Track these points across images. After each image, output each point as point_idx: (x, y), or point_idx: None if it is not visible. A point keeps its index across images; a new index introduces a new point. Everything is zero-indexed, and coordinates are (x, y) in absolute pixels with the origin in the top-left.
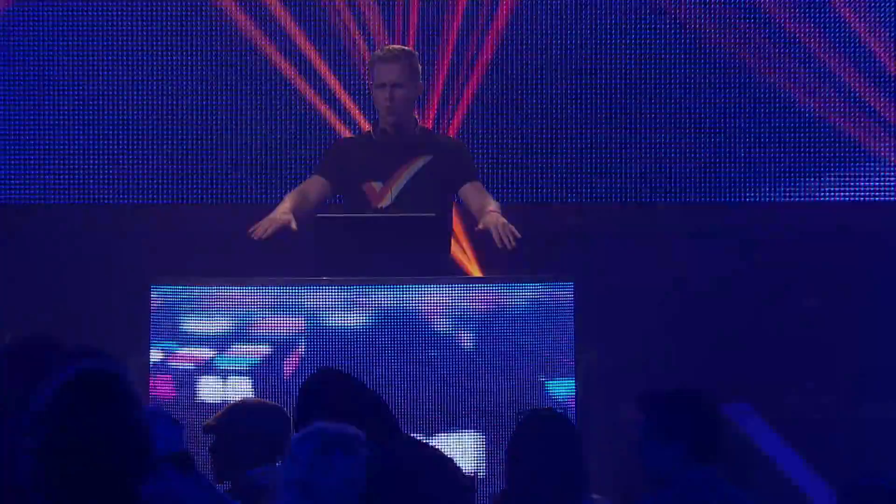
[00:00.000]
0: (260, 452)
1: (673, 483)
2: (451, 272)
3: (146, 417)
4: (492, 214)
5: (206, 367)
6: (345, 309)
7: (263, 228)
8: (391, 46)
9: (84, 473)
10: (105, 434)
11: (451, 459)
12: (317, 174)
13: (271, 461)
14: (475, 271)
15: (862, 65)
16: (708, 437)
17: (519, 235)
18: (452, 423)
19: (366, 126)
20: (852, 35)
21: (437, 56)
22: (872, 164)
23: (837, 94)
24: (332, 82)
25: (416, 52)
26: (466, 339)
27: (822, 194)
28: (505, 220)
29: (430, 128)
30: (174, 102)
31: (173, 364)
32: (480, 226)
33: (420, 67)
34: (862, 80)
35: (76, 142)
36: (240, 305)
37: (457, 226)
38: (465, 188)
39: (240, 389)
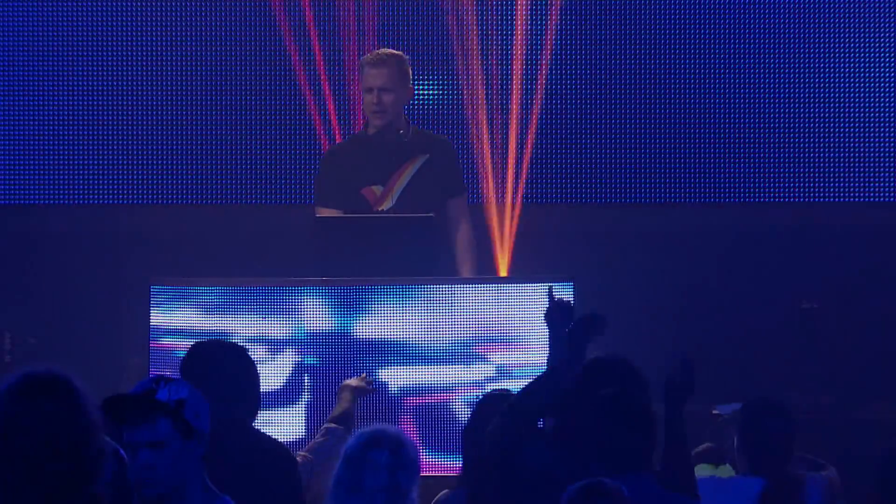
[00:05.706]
0: None
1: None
2: (450, 272)
3: (92, 417)
4: None
5: None
6: (343, 309)
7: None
8: (380, 51)
9: (29, 473)
10: (43, 432)
11: None
12: (320, 206)
13: None
14: None
15: (863, 64)
16: (613, 441)
17: None
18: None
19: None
20: (853, 35)
21: (441, 56)
22: (873, 164)
23: (839, 95)
24: (332, 82)
25: (407, 57)
26: (466, 340)
27: (822, 194)
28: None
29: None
30: (174, 103)
31: (173, 364)
32: None
33: (410, 71)
34: (863, 79)
35: (76, 142)
36: (239, 305)
37: None
38: (450, 206)
39: None
